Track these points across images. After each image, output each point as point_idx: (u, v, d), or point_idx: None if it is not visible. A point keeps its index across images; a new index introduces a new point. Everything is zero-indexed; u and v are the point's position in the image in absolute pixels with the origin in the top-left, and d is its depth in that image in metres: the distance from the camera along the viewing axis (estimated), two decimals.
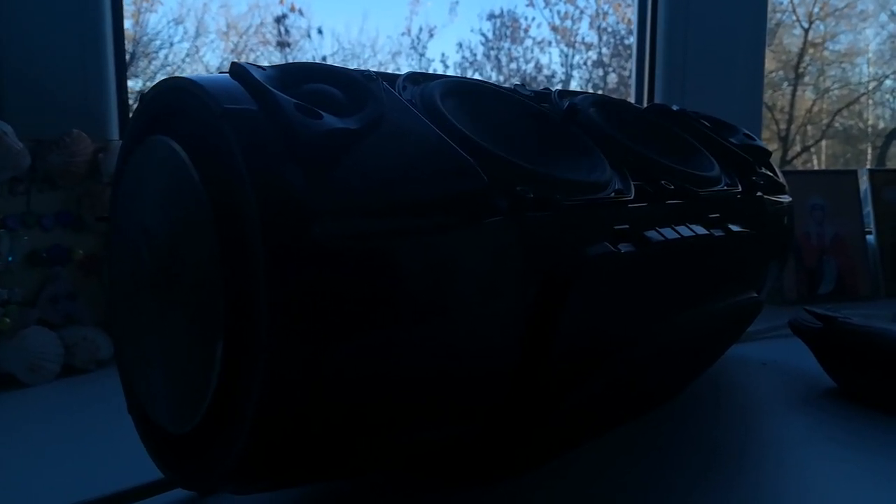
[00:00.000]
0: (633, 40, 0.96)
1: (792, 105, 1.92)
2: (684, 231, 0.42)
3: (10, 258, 0.60)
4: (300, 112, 0.28)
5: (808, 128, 1.98)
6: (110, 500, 0.36)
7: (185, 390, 0.29)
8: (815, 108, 1.99)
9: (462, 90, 0.41)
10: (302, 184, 0.26)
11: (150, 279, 0.31)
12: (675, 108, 0.62)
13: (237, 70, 0.30)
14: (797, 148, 1.98)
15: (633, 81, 0.88)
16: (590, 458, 0.43)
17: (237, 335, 0.26)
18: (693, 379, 0.55)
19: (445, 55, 1.48)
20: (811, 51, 1.90)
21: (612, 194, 0.39)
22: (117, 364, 0.37)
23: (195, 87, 0.29)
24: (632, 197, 0.40)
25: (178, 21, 1.15)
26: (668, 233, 0.40)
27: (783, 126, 1.90)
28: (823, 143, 2.01)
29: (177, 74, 0.31)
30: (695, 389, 0.56)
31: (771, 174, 0.59)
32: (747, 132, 0.66)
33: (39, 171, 0.63)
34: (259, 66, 0.31)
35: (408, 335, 0.29)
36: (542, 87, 0.52)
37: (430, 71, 0.44)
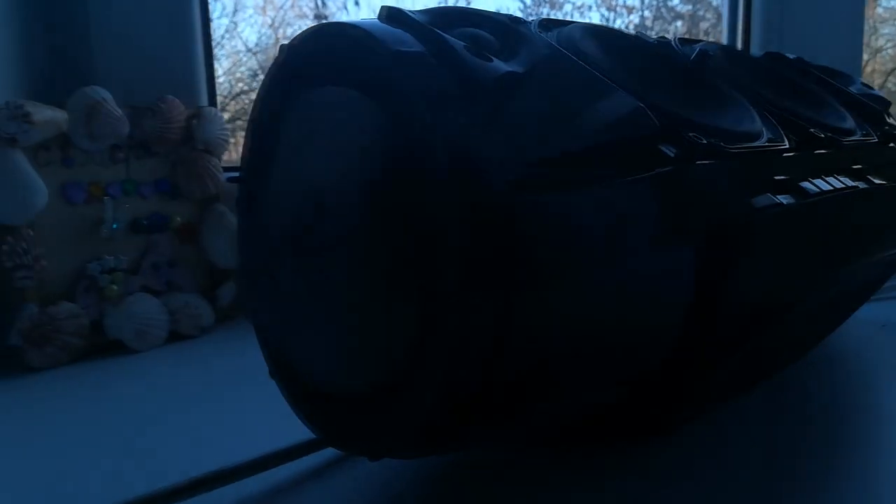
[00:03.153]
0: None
1: None
2: (835, 182, 0.39)
3: (114, 225, 0.60)
4: (473, 55, 0.26)
5: None
6: (252, 466, 0.36)
7: (359, 351, 0.28)
8: (868, 69, 1.88)
9: (599, 35, 0.38)
10: (485, 130, 0.25)
11: (313, 237, 0.30)
12: (791, 56, 0.58)
13: (393, 13, 0.29)
14: None
15: (725, 25, 0.84)
16: (699, 429, 0.41)
17: (421, 290, 0.25)
18: (825, 337, 0.52)
19: None
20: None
21: (766, 143, 0.36)
22: (256, 329, 0.37)
23: (356, 31, 0.27)
24: (787, 146, 0.37)
25: None
26: (821, 184, 0.38)
27: None
28: None
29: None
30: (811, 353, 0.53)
31: None
32: (865, 81, 0.62)
33: (136, 138, 0.63)
34: (409, 11, 0.30)
35: (584, 286, 0.27)
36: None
37: None
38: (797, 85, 0.51)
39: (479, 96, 0.25)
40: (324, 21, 0.29)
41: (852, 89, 0.59)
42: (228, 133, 0.69)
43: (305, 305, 0.32)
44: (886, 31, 1.85)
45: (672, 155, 0.30)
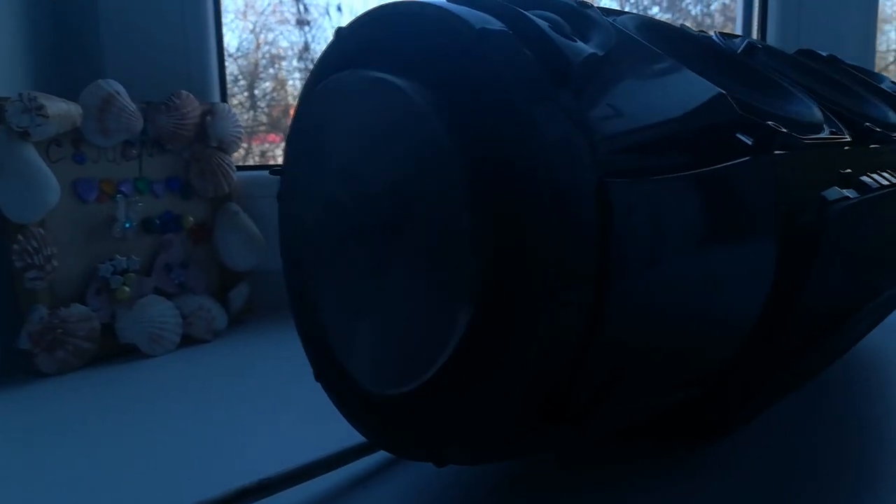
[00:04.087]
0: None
1: None
2: (890, 178, 0.38)
3: (127, 224, 0.58)
4: (559, 34, 0.24)
5: None
6: (309, 470, 0.34)
7: (420, 353, 0.26)
8: None
9: (652, 25, 0.37)
10: (574, 116, 0.23)
11: (363, 232, 0.28)
12: (824, 54, 0.57)
13: None
14: None
15: (739, 19, 0.83)
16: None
17: (499, 282, 0.23)
18: (864, 337, 0.51)
19: None
20: None
21: (830, 135, 0.35)
22: (300, 331, 0.35)
23: (428, 10, 0.25)
24: (848, 139, 0.36)
25: None
26: (879, 178, 0.37)
27: None
28: None
29: None
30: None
31: None
32: (894, 80, 0.61)
33: (149, 134, 0.61)
34: None
35: (667, 278, 0.26)
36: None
37: None
38: (835, 81, 0.51)
39: (566, 80, 0.24)
40: (384, 4, 0.28)
41: (884, 86, 0.58)
42: (242, 131, 0.67)
43: (358, 304, 0.31)
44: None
45: (750, 144, 0.28)
